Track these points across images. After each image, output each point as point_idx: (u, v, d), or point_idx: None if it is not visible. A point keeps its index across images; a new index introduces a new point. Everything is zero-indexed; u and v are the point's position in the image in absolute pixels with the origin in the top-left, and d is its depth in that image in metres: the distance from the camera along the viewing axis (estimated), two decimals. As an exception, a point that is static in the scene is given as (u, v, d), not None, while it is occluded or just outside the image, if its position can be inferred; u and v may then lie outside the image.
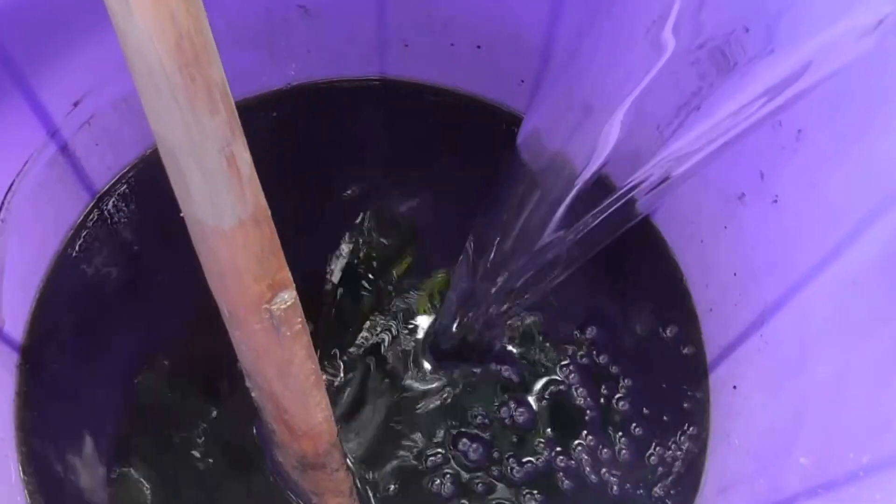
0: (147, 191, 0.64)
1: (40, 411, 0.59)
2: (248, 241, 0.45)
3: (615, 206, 0.46)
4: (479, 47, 0.66)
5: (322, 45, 0.66)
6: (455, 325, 0.60)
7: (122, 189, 0.64)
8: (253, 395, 0.55)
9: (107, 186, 0.64)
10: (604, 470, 0.59)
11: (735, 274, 0.59)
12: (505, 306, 0.57)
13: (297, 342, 0.50)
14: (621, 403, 0.60)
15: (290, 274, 0.47)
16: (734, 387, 0.59)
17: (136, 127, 0.64)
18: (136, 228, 0.64)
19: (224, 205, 0.42)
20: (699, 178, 0.59)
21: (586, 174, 0.46)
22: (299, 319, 0.49)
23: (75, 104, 0.59)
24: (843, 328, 0.49)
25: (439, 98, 0.68)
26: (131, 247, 0.63)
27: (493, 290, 0.55)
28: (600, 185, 0.46)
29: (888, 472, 0.42)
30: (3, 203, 0.57)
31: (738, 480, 0.56)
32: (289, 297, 0.48)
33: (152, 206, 0.64)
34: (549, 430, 0.60)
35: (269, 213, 0.45)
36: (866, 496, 0.43)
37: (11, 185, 0.57)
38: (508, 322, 0.63)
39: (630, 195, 0.46)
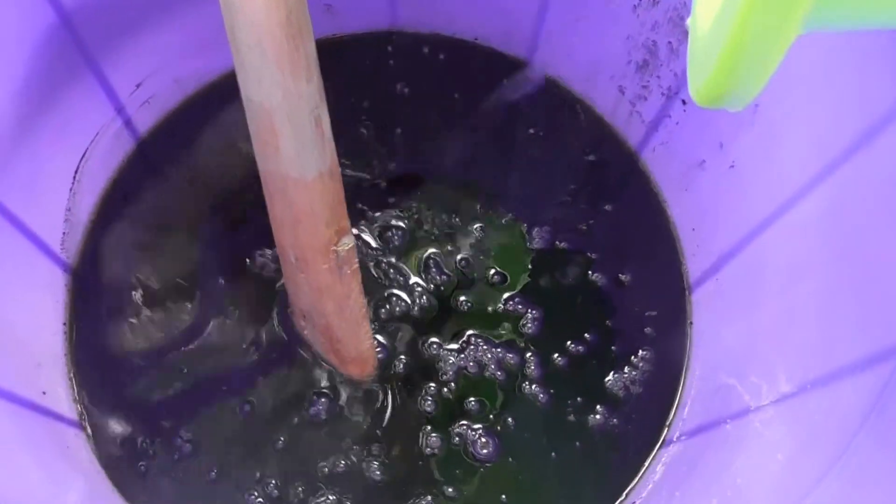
0: (183, 140, 0.68)
1: (89, 329, 0.63)
2: (325, 191, 0.49)
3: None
4: (475, 38, 0.71)
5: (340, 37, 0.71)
6: None
7: (163, 137, 0.68)
8: (305, 332, 0.60)
9: (149, 135, 0.69)
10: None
11: (693, 229, 0.64)
12: None
13: (355, 279, 0.55)
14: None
15: (349, 221, 0.52)
16: (690, 323, 0.64)
17: (184, 100, 0.69)
18: (173, 172, 0.68)
19: (309, 159, 0.47)
20: (664, 149, 0.65)
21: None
22: (356, 259, 0.54)
23: (138, 85, 0.65)
24: (790, 271, 0.53)
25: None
26: (169, 187, 0.67)
27: None
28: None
29: (833, 384, 0.47)
30: (78, 167, 0.63)
31: (698, 398, 0.61)
32: (349, 240, 0.53)
33: (188, 153, 0.68)
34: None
35: (339, 168, 0.50)
36: (813, 404, 0.48)
37: (85, 152, 0.63)
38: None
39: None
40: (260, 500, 0.59)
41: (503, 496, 0.61)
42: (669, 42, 0.60)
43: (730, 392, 0.58)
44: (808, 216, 0.52)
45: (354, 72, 0.71)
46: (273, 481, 0.60)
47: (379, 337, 0.63)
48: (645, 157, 0.68)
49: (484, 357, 0.63)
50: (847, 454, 0.42)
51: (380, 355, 0.62)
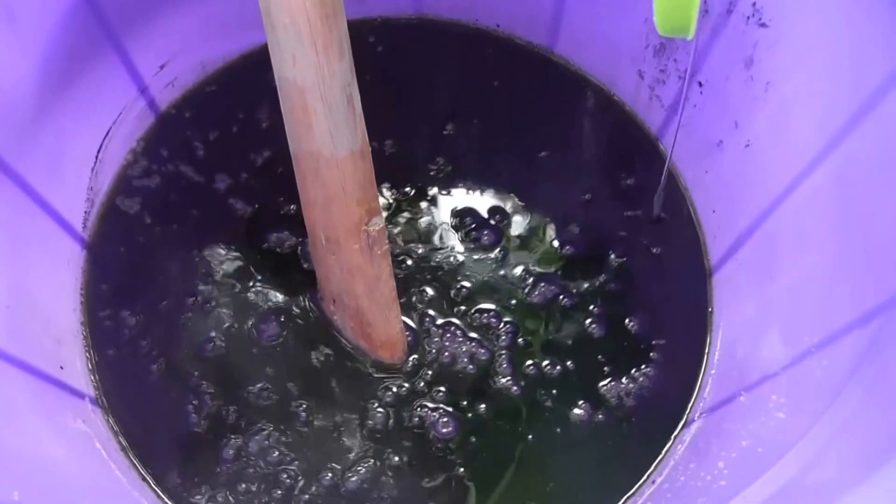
0: (206, 121, 0.69)
1: (107, 306, 0.64)
2: (356, 169, 0.51)
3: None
4: (498, 26, 0.72)
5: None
6: None
7: (186, 118, 0.69)
8: (335, 318, 0.61)
9: (172, 117, 0.70)
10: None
11: (714, 211, 0.64)
12: None
13: (385, 260, 0.56)
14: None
15: (379, 202, 0.53)
16: (711, 309, 0.65)
17: (208, 82, 0.71)
18: (195, 153, 0.68)
19: (341, 136, 0.49)
20: (684, 131, 0.64)
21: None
22: (387, 241, 0.55)
23: (161, 66, 0.66)
24: (799, 244, 0.55)
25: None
26: (192, 168, 0.68)
27: None
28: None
29: (832, 346, 0.48)
30: (101, 147, 0.64)
31: (717, 376, 0.62)
32: (380, 220, 0.54)
33: (211, 135, 0.69)
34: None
35: (370, 147, 0.51)
36: (816, 365, 0.49)
37: (108, 132, 0.64)
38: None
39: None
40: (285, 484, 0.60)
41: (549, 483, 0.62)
42: (685, 23, 0.60)
43: (745, 366, 0.59)
44: (817, 188, 0.53)
45: (377, 56, 0.72)
46: (300, 463, 0.61)
47: (407, 320, 0.63)
48: (666, 142, 0.68)
49: (508, 336, 0.64)
50: (836, 402, 0.43)
51: (408, 338, 0.63)
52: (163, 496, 0.60)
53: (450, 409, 0.62)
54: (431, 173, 0.69)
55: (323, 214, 0.55)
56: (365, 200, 0.53)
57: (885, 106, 0.46)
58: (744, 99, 0.59)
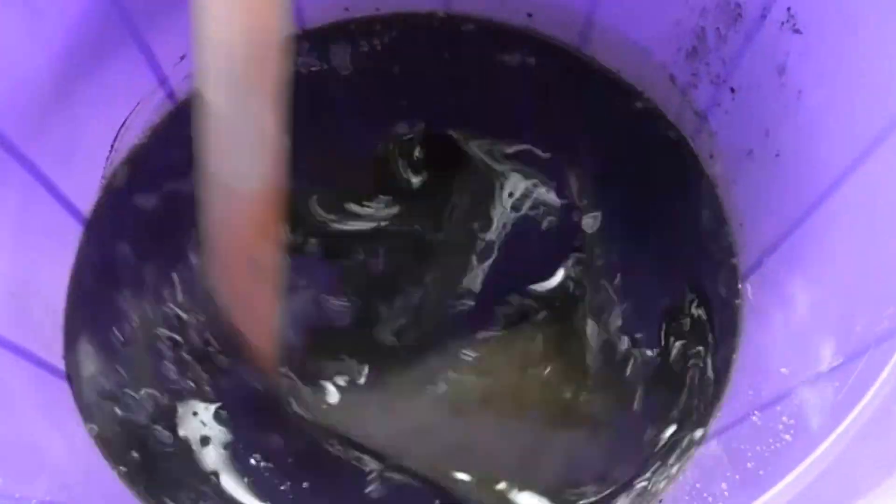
0: None
1: (107, 293, 0.64)
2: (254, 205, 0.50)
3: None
4: (529, 15, 0.71)
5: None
6: None
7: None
8: None
9: (191, 108, 0.70)
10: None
11: (741, 224, 0.64)
12: None
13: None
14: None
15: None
16: (737, 328, 0.63)
17: None
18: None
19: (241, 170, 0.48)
20: (714, 140, 0.64)
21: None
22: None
23: (181, 57, 0.66)
24: (826, 260, 0.54)
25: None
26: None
27: None
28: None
29: (844, 368, 0.47)
30: (116, 137, 0.64)
31: (735, 396, 0.61)
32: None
33: None
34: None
35: (281, 190, 0.50)
36: (830, 387, 0.47)
37: (125, 121, 0.64)
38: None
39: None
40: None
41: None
42: (717, 28, 0.60)
43: (761, 385, 0.58)
44: (844, 203, 0.52)
45: (404, 53, 0.72)
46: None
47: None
48: (697, 149, 0.67)
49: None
50: (840, 428, 0.42)
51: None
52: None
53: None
54: (450, 170, 0.69)
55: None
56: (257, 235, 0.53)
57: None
58: (775, 107, 0.58)
